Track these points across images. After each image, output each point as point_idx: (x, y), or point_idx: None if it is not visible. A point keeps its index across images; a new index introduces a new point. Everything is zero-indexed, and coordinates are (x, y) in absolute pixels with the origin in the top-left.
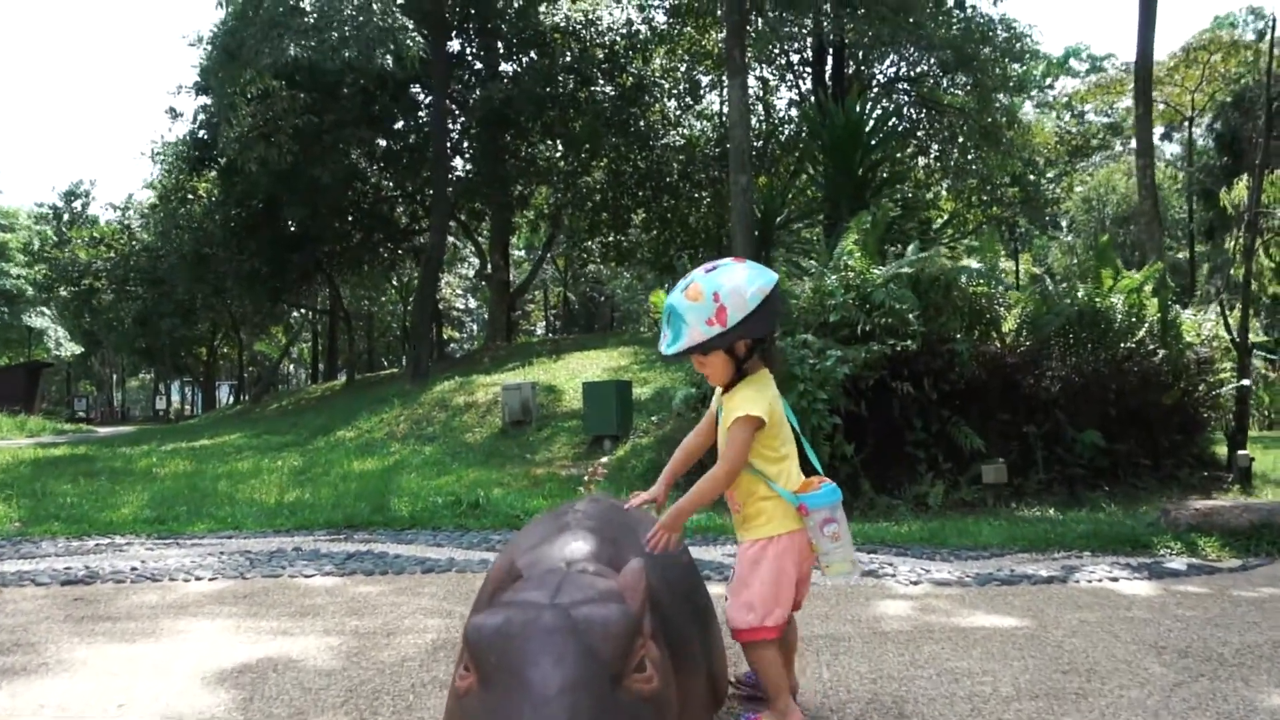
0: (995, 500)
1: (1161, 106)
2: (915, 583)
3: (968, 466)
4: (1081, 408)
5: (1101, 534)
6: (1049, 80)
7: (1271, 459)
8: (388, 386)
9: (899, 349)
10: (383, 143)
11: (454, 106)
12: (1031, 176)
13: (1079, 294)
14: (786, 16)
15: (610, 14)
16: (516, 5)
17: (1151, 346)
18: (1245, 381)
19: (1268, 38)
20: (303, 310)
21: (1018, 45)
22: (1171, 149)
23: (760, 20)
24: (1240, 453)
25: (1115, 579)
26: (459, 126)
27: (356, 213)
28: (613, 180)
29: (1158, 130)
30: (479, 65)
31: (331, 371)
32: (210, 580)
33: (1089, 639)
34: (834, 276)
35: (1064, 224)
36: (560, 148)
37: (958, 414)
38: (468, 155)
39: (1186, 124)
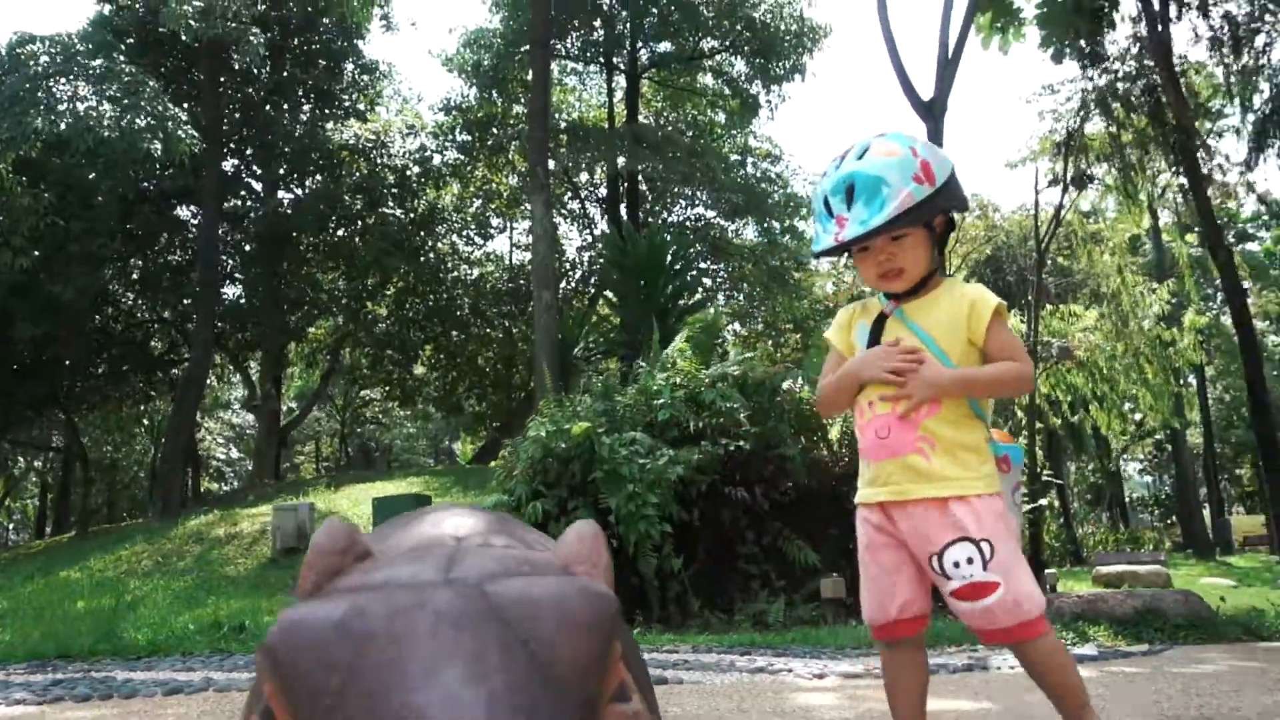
0: (835, 617)
1: None
2: (820, 676)
3: (801, 583)
4: None
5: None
6: None
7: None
8: (129, 529)
9: (732, 449)
10: (139, 262)
11: (227, 225)
12: (813, 323)
13: None
14: (585, 154)
15: (403, 139)
16: (301, 125)
17: None
18: (1042, 502)
19: (1033, 184)
20: (27, 457)
21: (795, 202)
22: None
23: (553, 162)
24: (1048, 571)
25: None
26: (232, 248)
27: (104, 338)
28: (399, 312)
29: None
30: (257, 185)
31: (61, 525)
32: None
33: None
34: (661, 375)
35: None
36: (344, 270)
37: (790, 526)
38: (240, 280)
39: None
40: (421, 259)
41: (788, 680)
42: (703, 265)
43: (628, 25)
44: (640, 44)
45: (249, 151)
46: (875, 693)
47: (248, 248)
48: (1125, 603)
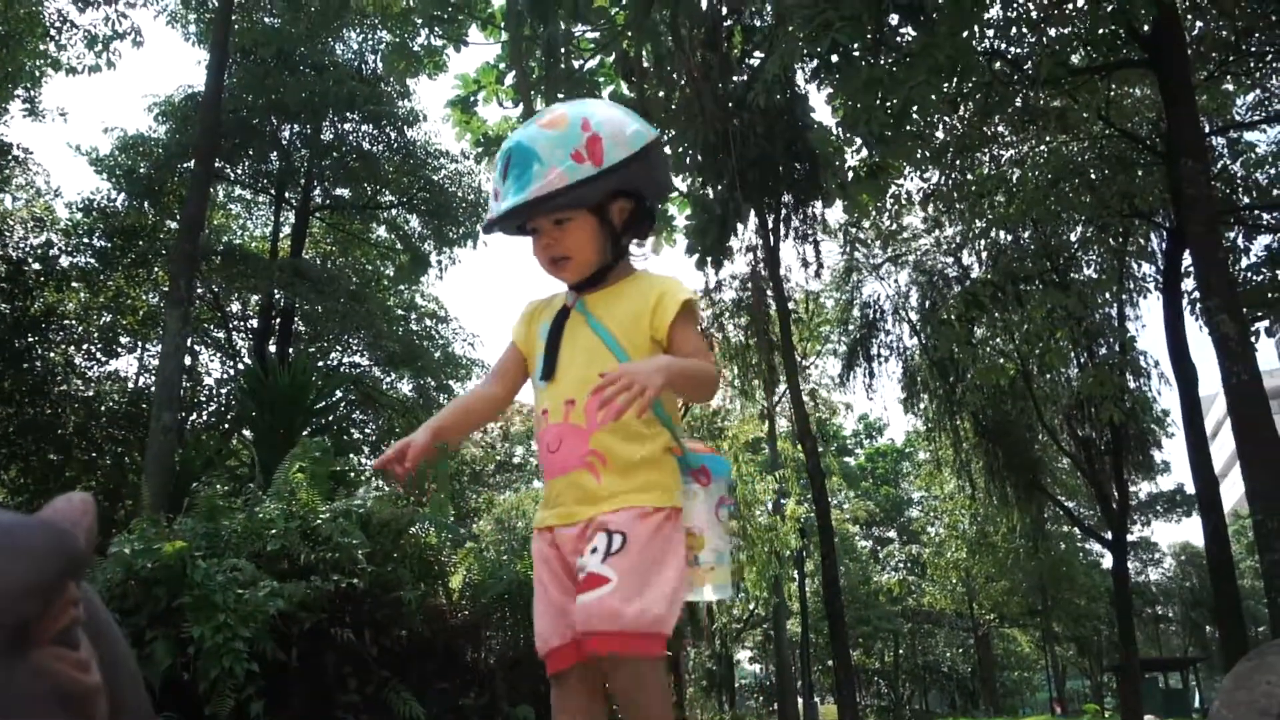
0: None
1: None
2: None
3: None
4: (520, 682)
5: None
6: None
7: None
8: None
9: (345, 586)
10: None
11: None
12: (458, 485)
13: (517, 566)
14: (239, 281)
15: (27, 230)
16: None
17: None
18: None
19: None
20: None
21: (454, 362)
22: None
23: (203, 288)
24: None
25: None
26: None
27: None
28: None
29: None
30: None
31: None
32: None
33: None
34: (274, 504)
35: (469, 545)
36: None
37: (398, 676)
38: None
39: None
40: (25, 365)
41: None
42: (347, 410)
43: (305, 163)
44: (316, 184)
45: None
46: None
47: None
48: None
